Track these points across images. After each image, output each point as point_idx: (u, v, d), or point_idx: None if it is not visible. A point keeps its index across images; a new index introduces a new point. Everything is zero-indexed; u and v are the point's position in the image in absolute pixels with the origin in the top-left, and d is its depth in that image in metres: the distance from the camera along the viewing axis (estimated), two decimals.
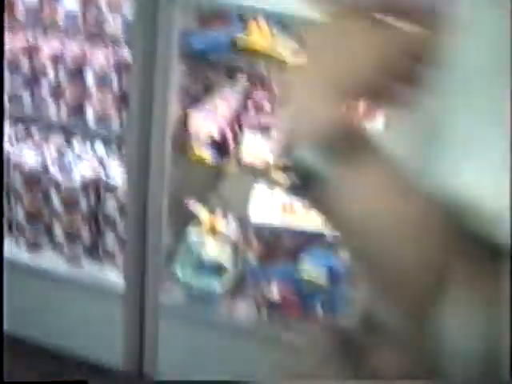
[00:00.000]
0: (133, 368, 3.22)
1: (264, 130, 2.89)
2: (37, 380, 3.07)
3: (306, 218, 2.81)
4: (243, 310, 3.02)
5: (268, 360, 2.96)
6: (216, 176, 3.48)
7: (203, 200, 3.19)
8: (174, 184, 2.96)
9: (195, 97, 3.00)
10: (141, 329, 3.13)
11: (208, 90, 3.07)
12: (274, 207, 2.83)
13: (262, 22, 2.90)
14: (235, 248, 2.98)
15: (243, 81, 3.07)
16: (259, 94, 3.00)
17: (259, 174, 2.92)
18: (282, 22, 2.93)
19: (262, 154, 2.87)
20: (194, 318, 3.05)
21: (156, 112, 2.74)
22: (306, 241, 2.89)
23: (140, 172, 2.83)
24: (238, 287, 3.04)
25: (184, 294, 3.03)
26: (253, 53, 2.85)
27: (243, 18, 2.94)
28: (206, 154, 2.92)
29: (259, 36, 2.88)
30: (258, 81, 3.05)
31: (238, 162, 2.91)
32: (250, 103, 2.98)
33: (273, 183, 2.92)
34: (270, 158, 2.87)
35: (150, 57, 2.64)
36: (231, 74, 3.11)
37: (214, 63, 2.98)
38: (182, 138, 2.92)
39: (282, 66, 2.81)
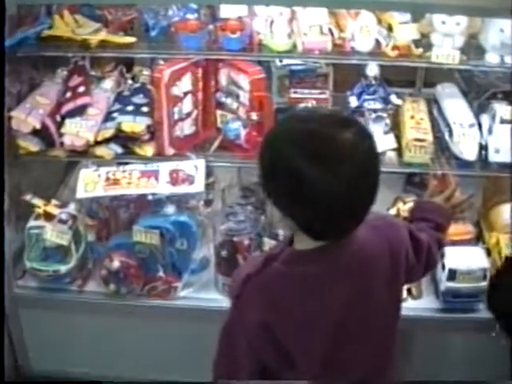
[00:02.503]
0: (9, 365, 3.31)
1: (80, 110, 3.03)
2: None
3: (131, 187, 2.92)
4: (93, 286, 3.13)
5: (126, 329, 3.11)
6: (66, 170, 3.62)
7: (47, 192, 3.32)
8: (12, 183, 3.09)
9: (18, 96, 3.13)
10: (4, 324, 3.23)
11: (32, 87, 3.20)
12: (100, 182, 2.94)
13: (66, 12, 3.06)
14: (75, 229, 3.08)
15: (62, 72, 3.19)
16: (75, 80, 3.12)
17: (84, 153, 3.06)
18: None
19: (81, 133, 3.00)
20: (48, 304, 3.14)
21: None
22: (136, 208, 3.01)
23: None
24: (83, 265, 3.14)
25: (36, 281, 3.13)
26: (57, 40, 2.99)
27: (50, 13, 3.10)
28: (31, 145, 3.06)
29: (62, 24, 3.03)
30: (74, 69, 3.17)
31: (62, 146, 3.05)
32: (67, 90, 3.11)
33: (98, 158, 3.04)
34: (89, 136, 3.00)
35: None
36: (51, 68, 3.23)
37: (29, 59, 3.10)
38: (9, 138, 3.05)
39: (85, 46, 2.97)
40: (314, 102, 3.14)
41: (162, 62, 3.03)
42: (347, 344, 2.09)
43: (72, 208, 3.13)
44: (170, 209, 2.95)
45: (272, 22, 2.94)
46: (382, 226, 2.12)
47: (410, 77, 3.45)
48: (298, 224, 1.90)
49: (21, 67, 3.15)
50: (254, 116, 2.98)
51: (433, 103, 3.26)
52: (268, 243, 3.02)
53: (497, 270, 2.67)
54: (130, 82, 3.23)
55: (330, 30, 2.94)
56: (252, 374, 2.07)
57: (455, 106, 3.13)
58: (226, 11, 2.95)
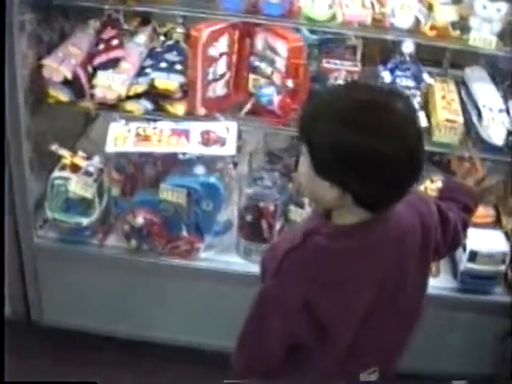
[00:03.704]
0: (21, 316, 3.30)
1: (113, 63, 3.01)
2: None
3: (161, 144, 2.91)
4: (114, 241, 3.13)
5: (145, 286, 3.11)
6: (86, 121, 3.59)
7: (72, 146, 3.29)
8: (42, 133, 3.06)
9: (50, 45, 3.09)
10: (22, 274, 3.21)
11: (63, 37, 3.16)
12: (130, 138, 2.92)
13: None
14: (99, 183, 3.07)
15: (94, 23, 3.15)
16: (108, 33, 3.09)
17: (114, 107, 3.03)
18: None
19: (114, 86, 2.97)
20: (67, 256, 3.13)
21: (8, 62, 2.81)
22: (166, 166, 3.00)
23: None
24: (107, 220, 3.14)
25: (56, 233, 3.12)
26: None
27: None
28: (62, 95, 3.02)
29: None
30: (107, 21, 3.14)
31: (92, 98, 3.02)
32: (100, 42, 3.08)
33: (127, 113, 3.02)
34: (122, 90, 2.98)
35: None
36: (83, 18, 3.20)
37: (62, 7, 3.06)
38: (38, 86, 3.01)
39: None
40: (345, 73, 3.15)
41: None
42: (378, 320, 2.11)
43: (96, 161, 3.12)
44: (200, 169, 2.95)
45: None
46: (414, 202, 2.12)
47: (437, 56, 3.46)
48: (359, 198, 1.90)
49: (52, 16, 3.11)
50: (290, 83, 2.97)
51: (461, 85, 3.28)
52: (294, 211, 3.05)
53: None
54: (162, 38, 3.21)
55: (372, 3, 2.94)
56: (281, 348, 2.06)
57: (485, 90, 3.15)
58: None
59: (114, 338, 3.19)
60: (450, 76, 3.42)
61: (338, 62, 3.18)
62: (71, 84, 3.02)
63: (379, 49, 3.39)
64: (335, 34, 3.24)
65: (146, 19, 3.31)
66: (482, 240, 3.01)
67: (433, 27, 2.93)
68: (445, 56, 3.45)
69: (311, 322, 2.01)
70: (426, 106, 3.14)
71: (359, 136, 1.80)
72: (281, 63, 3.01)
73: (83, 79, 3.02)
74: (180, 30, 3.17)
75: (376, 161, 1.81)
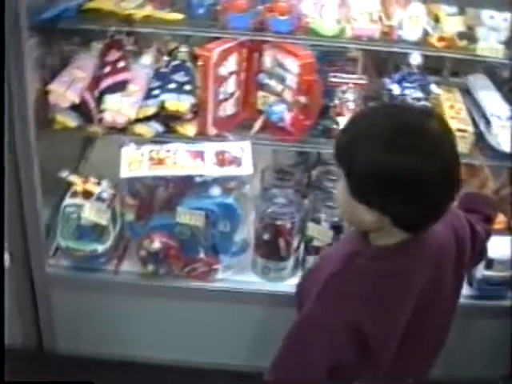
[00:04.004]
0: (32, 345, 3.23)
1: (121, 86, 2.96)
2: None
3: (177, 167, 2.87)
4: (129, 266, 3.08)
5: (163, 310, 3.08)
6: (85, 144, 3.53)
7: (76, 168, 3.24)
8: (45, 158, 2.99)
9: (52, 70, 3.02)
10: (33, 303, 3.14)
11: (65, 61, 3.10)
12: (144, 162, 2.88)
13: None
14: (112, 208, 3.02)
15: (97, 45, 3.10)
16: (113, 55, 3.04)
17: (122, 130, 2.98)
18: None
19: (123, 110, 2.92)
20: (82, 284, 3.07)
21: (13, 89, 2.74)
22: (180, 188, 2.96)
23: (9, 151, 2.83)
24: (120, 245, 3.09)
25: (69, 261, 3.06)
26: (99, 13, 2.89)
27: None
28: (69, 121, 2.96)
29: None
30: (111, 43, 3.09)
31: (101, 122, 2.96)
32: (105, 65, 3.02)
33: (137, 136, 2.97)
34: (131, 113, 2.93)
35: None
36: (85, 40, 3.14)
37: (65, 31, 2.99)
38: (45, 112, 2.95)
39: (129, 20, 2.87)
40: (352, 86, 3.15)
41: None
42: (415, 335, 2.12)
43: (105, 185, 3.07)
44: (216, 190, 2.92)
45: (322, 6, 2.92)
46: (447, 216, 2.12)
47: (437, 65, 3.48)
48: (398, 221, 1.92)
49: (54, 39, 3.04)
50: (303, 99, 2.96)
51: (465, 93, 3.30)
52: (311, 227, 3.03)
53: None
54: (166, 58, 3.17)
55: (380, 17, 2.95)
56: (322, 372, 2.06)
57: (490, 98, 3.18)
58: None
59: (133, 363, 3.14)
60: (451, 84, 3.44)
61: (344, 75, 3.19)
62: (78, 109, 2.95)
63: (380, 60, 3.40)
64: (336, 47, 3.24)
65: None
66: (498, 246, 3.03)
67: (441, 38, 2.95)
68: (445, 65, 3.47)
69: (355, 343, 2.02)
70: None
71: (398, 158, 1.82)
72: (292, 80, 3.00)
73: (91, 104, 2.95)
74: (184, 49, 3.14)
75: (415, 181, 1.83)
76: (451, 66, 3.48)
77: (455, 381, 3.05)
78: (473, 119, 3.14)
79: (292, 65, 2.98)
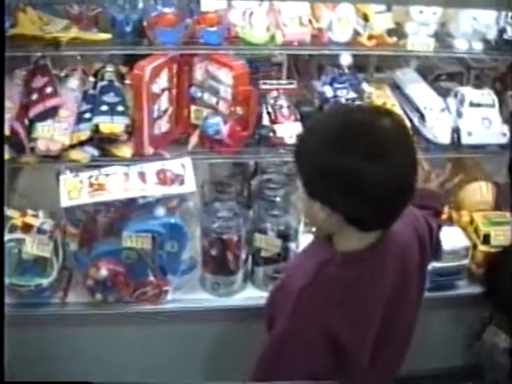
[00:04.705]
0: None
1: (51, 112, 2.86)
2: None
3: (118, 191, 2.79)
4: (76, 297, 2.99)
5: (114, 337, 2.99)
6: (10, 174, 3.40)
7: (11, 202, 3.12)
8: None
9: None
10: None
11: None
12: (84, 188, 2.79)
13: (29, 9, 2.86)
14: (54, 239, 2.91)
15: (20, 73, 2.99)
16: (39, 81, 2.94)
17: (56, 157, 2.88)
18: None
19: (56, 137, 2.83)
20: (29, 320, 2.96)
21: None
22: (122, 212, 2.88)
23: None
24: (65, 276, 2.99)
25: (14, 298, 2.93)
26: (22, 39, 2.79)
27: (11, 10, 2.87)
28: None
29: (27, 22, 2.83)
30: (35, 69, 2.98)
31: (33, 151, 2.86)
32: (32, 92, 2.92)
33: (72, 162, 2.88)
34: (65, 140, 2.83)
35: None
36: (8, 68, 3.01)
37: None
38: None
39: (55, 44, 2.79)
40: (283, 92, 3.12)
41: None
42: (388, 337, 2.13)
43: (42, 216, 2.96)
44: (161, 211, 2.85)
45: (251, 14, 2.88)
46: (405, 215, 2.13)
47: (361, 62, 3.48)
48: (348, 218, 1.92)
49: None
50: (239, 110, 2.92)
51: (394, 88, 3.32)
52: (258, 238, 3.00)
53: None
54: (91, 79, 3.08)
55: (310, 20, 2.93)
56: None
57: (421, 91, 3.21)
58: (205, 5, 2.85)
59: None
60: (377, 80, 3.45)
61: (274, 81, 3.16)
62: (9, 140, 2.83)
63: (304, 63, 3.38)
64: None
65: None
66: (444, 238, 3.05)
67: (370, 37, 2.96)
68: (370, 61, 3.48)
69: (333, 353, 2.01)
70: None
71: (340, 155, 1.83)
72: (226, 91, 2.95)
73: (22, 134, 2.84)
74: (110, 68, 3.06)
75: (357, 179, 1.83)
76: (377, 62, 3.49)
77: (416, 376, 3.05)
78: (405, 114, 3.16)
79: (225, 76, 2.94)
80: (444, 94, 3.23)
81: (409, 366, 2.98)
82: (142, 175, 2.84)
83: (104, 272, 2.86)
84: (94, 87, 3.04)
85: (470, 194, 3.26)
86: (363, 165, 1.81)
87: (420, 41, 2.94)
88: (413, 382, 2.92)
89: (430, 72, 3.40)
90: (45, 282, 2.90)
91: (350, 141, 1.84)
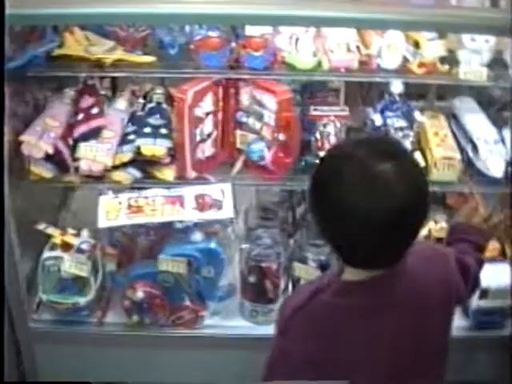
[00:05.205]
0: None
1: (94, 133, 2.88)
2: None
3: (156, 214, 2.79)
4: (113, 317, 3.00)
5: (150, 360, 2.99)
6: (64, 193, 3.45)
7: (53, 220, 3.15)
8: (23, 209, 2.90)
9: (25, 119, 2.95)
10: (18, 358, 3.06)
11: (38, 108, 3.03)
12: (122, 210, 2.80)
13: (76, 29, 2.90)
14: (93, 259, 2.93)
15: (70, 92, 3.02)
16: (86, 101, 2.97)
17: (100, 178, 2.90)
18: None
19: (98, 158, 2.85)
20: (66, 337, 2.99)
21: None
22: (161, 235, 2.88)
23: None
24: (103, 296, 3.01)
25: (52, 314, 2.97)
26: (68, 59, 2.83)
27: (57, 29, 2.93)
28: (44, 171, 2.88)
29: (73, 43, 2.87)
30: (83, 89, 3.02)
31: (77, 171, 2.89)
32: (79, 112, 2.95)
33: (115, 183, 2.89)
34: (107, 161, 2.85)
35: None
36: (58, 87, 3.07)
37: (36, 79, 2.91)
38: (20, 163, 2.87)
39: (99, 65, 2.81)
40: (334, 119, 3.06)
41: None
42: (401, 378, 2.05)
43: (85, 236, 2.99)
44: (198, 235, 2.84)
45: (297, 40, 2.84)
46: (433, 257, 2.12)
47: (422, 90, 3.40)
48: (340, 254, 1.91)
49: (25, 87, 2.97)
50: (282, 136, 2.87)
51: (451, 117, 3.21)
52: (298, 267, 2.95)
53: None
54: (141, 100, 3.09)
55: (358, 46, 2.86)
56: None
57: (476, 121, 3.09)
58: (250, 29, 2.84)
59: None
60: (436, 108, 3.35)
61: (325, 108, 3.10)
62: (53, 158, 2.87)
63: (363, 89, 3.31)
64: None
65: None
66: (491, 275, 2.93)
67: (421, 64, 2.87)
68: (430, 89, 3.38)
69: (316, 376, 1.94)
70: (419, 144, 3.07)
71: (329, 194, 1.82)
72: (270, 117, 2.92)
73: (65, 153, 2.88)
74: (160, 90, 3.06)
75: (348, 220, 1.80)
76: (436, 89, 3.39)
77: None
78: (458, 145, 3.05)
79: (269, 101, 2.90)
80: (503, 124, 3.10)
81: None
82: (180, 199, 2.83)
83: (140, 294, 2.86)
84: (143, 109, 3.05)
85: None
86: (349, 200, 1.78)
87: (472, 70, 2.84)
88: None
89: (489, 101, 3.27)
90: (82, 300, 2.93)
91: (342, 181, 1.81)
